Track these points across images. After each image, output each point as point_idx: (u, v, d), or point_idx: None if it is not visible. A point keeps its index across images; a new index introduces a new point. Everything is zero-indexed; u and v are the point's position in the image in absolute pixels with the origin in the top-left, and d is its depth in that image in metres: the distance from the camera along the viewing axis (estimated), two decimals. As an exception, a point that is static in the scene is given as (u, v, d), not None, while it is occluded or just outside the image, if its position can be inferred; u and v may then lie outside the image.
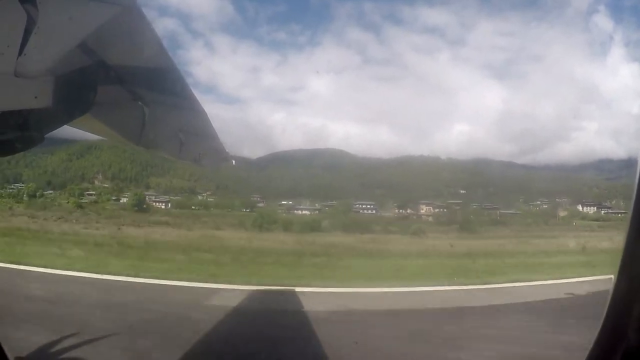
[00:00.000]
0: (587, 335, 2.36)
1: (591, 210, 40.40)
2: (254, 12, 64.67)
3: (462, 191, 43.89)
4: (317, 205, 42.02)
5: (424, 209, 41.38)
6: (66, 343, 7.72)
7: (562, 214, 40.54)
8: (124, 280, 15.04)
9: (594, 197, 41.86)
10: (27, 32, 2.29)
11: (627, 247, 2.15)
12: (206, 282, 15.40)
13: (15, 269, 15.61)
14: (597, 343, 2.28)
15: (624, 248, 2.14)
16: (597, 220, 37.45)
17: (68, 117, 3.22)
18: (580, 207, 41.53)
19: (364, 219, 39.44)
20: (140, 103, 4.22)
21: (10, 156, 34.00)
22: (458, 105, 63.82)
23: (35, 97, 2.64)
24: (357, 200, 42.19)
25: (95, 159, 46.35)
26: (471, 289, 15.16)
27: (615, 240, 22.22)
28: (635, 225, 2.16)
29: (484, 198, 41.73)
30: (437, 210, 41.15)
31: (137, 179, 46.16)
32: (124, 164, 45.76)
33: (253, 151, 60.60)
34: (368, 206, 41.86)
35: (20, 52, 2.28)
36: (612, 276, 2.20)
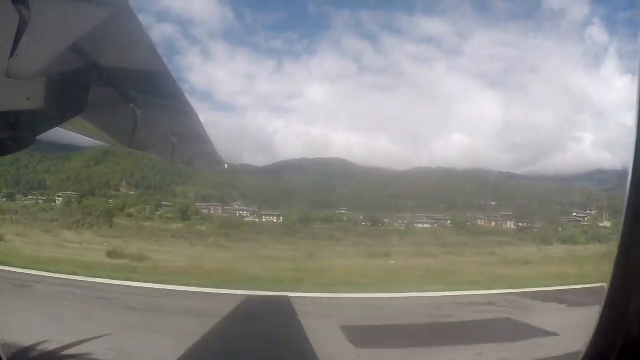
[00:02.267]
0: (579, 342, 2.37)
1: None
2: (252, 19, 64.16)
3: (492, 203, 43.41)
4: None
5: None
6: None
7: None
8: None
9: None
10: (20, 33, 2.27)
11: (619, 256, 2.18)
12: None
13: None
14: (589, 349, 2.30)
15: (616, 257, 2.16)
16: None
17: (60, 118, 3.19)
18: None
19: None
20: (132, 105, 4.19)
21: (27, 162, 33.52)
22: (458, 115, 63.92)
23: (27, 99, 2.61)
24: (389, 211, 41.41)
25: (114, 166, 44.22)
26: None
27: None
28: (627, 235, 2.18)
29: (521, 210, 41.51)
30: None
31: (161, 187, 44.76)
32: (145, 171, 44.24)
33: (254, 159, 60.12)
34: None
35: (12, 53, 2.25)
36: (605, 284, 2.22)
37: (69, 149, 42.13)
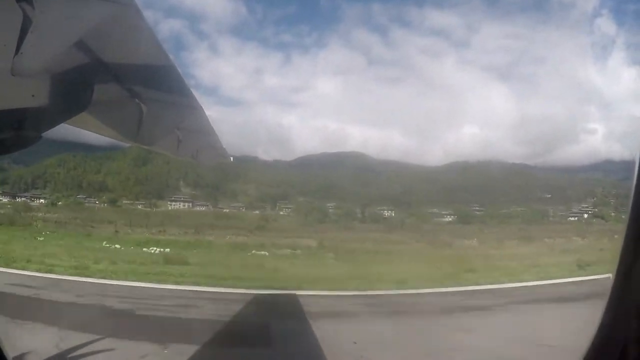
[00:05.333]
0: (584, 334, 2.37)
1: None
2: (262, 13, 64.10)
3: (547, 195, 43.06)
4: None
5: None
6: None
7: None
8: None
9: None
10: (24, 31, 2.27)
11: (625, 247, 2.16)
12: None
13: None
14: (594, 342, 2.29)
15: (622, 248, 2.15)
16: None
17: (65, 115, 3.20)
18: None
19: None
20: (137, 100, 4.20)
21: (75, 163, 33.27)
22: (469, 107, 63.73)
23: (32, 96, 2.62)
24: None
25: (165, 165, 42.90)
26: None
27: None
28: (634, 226, 2.17)
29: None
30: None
31: (217, 186, 43.72)
32: (198, 169, 42.12)
33: (280, 154, 60.15)
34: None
35: (17, 51, 2.26)
36: (610, 275, 2.21)
37: (107, 149, 41.71)
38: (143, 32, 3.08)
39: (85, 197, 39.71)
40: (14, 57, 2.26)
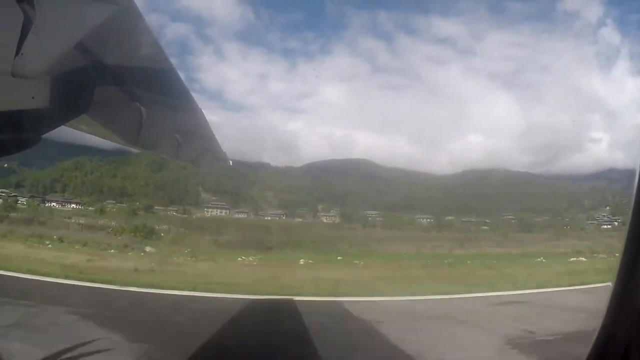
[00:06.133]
0: (585, 341, 2.36)
1: None
2: (268, 19, 64.61)
3: (563, 204, 42.91)
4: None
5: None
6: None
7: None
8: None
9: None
10: (24, 32, 2.26)
11: (625, 255, 2.16)
12: None
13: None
14: (595, 349, 2.28)
15: (621, 256, 2.14)
16: None
17: (65, 117, 3.19)
18: None
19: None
20: (137, 104, 4.19)
21: (91, 168, 32.39)
22: (474, 115, 64.11)
23: (33, 98, 2.61)
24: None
25: (181, 170, 41.55)
26: None
27: None
28: (634, 234, 2.16)
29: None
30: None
31: (235, 192, 42.91)
32: (216, 175, 41.63)
33: (277, 160, 60.40)
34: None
35: (17, 52, 2.25)
36: (610, 283, 2.21)
37: (120, 153, 41.13)
38: (144, 34, 3.08)
39: (116, 203, 39.20)
40: (14, 58, 2.25)
